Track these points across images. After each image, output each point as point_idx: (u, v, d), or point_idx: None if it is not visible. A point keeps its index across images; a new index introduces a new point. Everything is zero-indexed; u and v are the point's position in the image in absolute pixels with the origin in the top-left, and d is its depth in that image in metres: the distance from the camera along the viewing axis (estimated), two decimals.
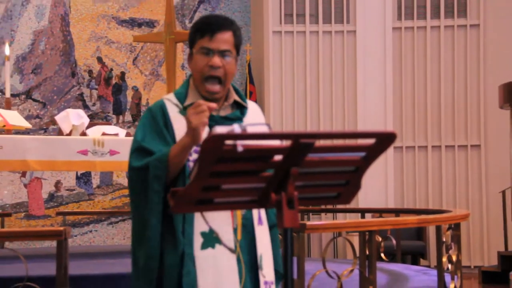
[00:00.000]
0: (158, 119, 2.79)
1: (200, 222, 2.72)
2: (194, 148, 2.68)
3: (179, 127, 2.74)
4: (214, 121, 2.75)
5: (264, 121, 2.90)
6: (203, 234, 2.73)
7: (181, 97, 2.85)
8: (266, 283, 2.81)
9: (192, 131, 2.59)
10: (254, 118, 2.88)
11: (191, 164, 2.71)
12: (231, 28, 2.81)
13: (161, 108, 2.82)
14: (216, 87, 2.77)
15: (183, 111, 2.79)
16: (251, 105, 2.95)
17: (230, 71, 2.78)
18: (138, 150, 2.77)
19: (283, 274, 2.92)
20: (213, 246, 2.73)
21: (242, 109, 2.89)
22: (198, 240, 2.73)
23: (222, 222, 2.73)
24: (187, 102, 2.81)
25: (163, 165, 2.66)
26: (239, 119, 2.83)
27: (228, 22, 2.83)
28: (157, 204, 2.69)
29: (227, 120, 2.80)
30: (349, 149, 2.01)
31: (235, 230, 2.78)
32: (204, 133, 2.64)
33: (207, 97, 2.77)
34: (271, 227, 2.92)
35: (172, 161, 2.66)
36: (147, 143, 2.75)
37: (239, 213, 2.78)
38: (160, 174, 2.67)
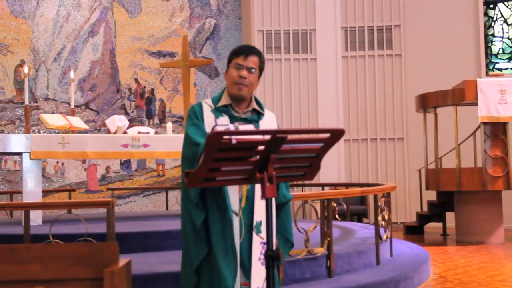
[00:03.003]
0: (197, 112, 2.77)
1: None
2: None
3: (207, 122, 2.71)
4: (236, 120, 2.74)
5: (277, 126, 2.87)
6: None
7: (215, 100, 2.81)
8: (264, 243, 2.69)
9: None
10: (268, 123, 2.83)
11: None
12: (258, 54, 2.79)
13: (200, 106, 2.80)
14: (242, 91, 2.73)
15: (214, 110, 2.76)
16: (269, 114, 2.88)
17: (252, 82, 2.74)
18: (192, 125, 2.73)
19: (292, 242, 2.85)
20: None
21: (259, 115, 2.82)
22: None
23: (231, 192, 2.66)
24: (220, 104, 2.78)
25: None
26: (255, 121, 2.79)
27: (257, 50, 2.81)
28: None
29: (245, 121, 2.77)
30: (311, 140, 1.98)
31: (240, 199, 2.69)
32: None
33: (236, 97, 2.75)
34: (282, 205, 2.80)
35: None
36: (195, 121, 2.73)
37: (245, 187, 2.70)
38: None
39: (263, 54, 2.97)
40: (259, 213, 2.70)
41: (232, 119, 2.73)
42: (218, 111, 2.76)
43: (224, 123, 2.71)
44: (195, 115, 2.76)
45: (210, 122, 2.72)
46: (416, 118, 10.13)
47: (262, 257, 2.68)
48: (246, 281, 2.67)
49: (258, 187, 2.71)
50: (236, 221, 2.64)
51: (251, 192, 2.72)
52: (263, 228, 2.70)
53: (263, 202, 2.70)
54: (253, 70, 2.74)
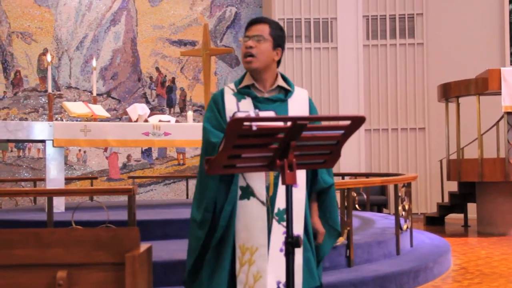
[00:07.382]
0: (217, 101, 2.62)
1: (241, 179, 2.53)
2: None
3: (229, 106, 2.57)
4: (259, 101, 2.60)
5: (307, 106, 2.68)
6: (241, 187, 2.53)
7: (237, 82, 2.66)
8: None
9: None
10: (299, 100, 2.66)
11: None
12: (266, 21, 2.61)
13: (221, 92, 2.65)
14: (252, 64, 2.55)
15: (236, 93, 2.61)
16: (300, 91, 2.69)
17: (262, 51, 2.56)
18: (207, 119, 2.59)
19: (339, 231, 2.72)
20: (248, 198, 2.52)
21: (287, 93, 2.65)
22: (237, 192, 2.54)
23: (257, 180, 2.52)
24: (242, 85, 2.62)
25: None
26: (281, 100, 2.62)
27: (264, 18, 2.63)
28: None
29: (270, 101, 2.61)
30: (332, 128, 1.97)
31: (267, 188, 2.54)
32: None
33: (252, 73, 2.60)
34: (323, 191, 2.68)
35: None
36: (210, 114, 2.60)
37: (272, 174, 2.55)
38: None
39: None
40: (282, 200, 2.53)
41: (256, 100, 2.58)
42: (240, 93, 2.61)
43: (246, 105, 2.58)
44: (214, 104, 2.61)
45: (232, 106, 2.57)
46: (438, 108, 10.02)
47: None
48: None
49: None
50: (263, 211, 2.52)
51: (278, 179, 2.54)
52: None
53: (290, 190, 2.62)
54: (260, 38, 2.55)
